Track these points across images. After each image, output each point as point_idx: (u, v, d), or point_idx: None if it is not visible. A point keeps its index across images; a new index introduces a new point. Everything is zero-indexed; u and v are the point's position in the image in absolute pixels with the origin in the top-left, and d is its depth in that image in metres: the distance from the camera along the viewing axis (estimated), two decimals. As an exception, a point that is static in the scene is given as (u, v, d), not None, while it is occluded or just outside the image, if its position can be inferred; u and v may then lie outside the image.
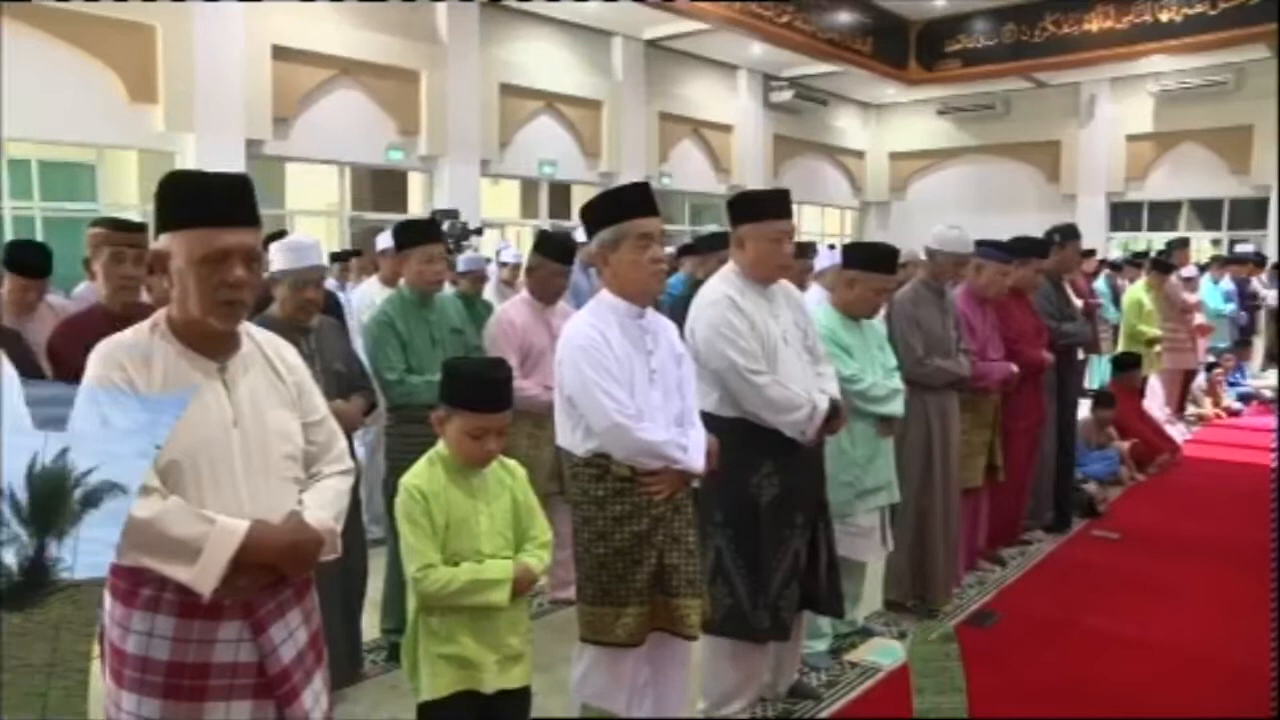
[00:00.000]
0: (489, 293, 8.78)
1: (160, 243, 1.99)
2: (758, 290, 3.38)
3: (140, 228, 3.61)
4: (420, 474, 2.64)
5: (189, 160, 10.78)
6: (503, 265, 8.06)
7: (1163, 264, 9.18)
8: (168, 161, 10.95)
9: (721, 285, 3.37)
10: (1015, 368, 5.03)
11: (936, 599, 4.66)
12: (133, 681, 1.94)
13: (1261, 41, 16.31)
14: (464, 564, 2.57)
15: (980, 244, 5.08)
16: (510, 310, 4.68)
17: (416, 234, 4.30)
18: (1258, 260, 12.79)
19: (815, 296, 5.84)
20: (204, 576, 1.86)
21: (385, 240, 6.33)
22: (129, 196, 11.58)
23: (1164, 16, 16.46)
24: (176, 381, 1.96)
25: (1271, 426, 9.33)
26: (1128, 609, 4.78)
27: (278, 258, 3.57)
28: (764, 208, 3.39)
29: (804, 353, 3.44)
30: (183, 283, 1.96)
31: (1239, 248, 13.70)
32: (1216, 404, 10.25)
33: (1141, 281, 9.09)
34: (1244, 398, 10.78)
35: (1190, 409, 9.84)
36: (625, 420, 2.79)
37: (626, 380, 2.85)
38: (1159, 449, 7.74)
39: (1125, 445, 7.31)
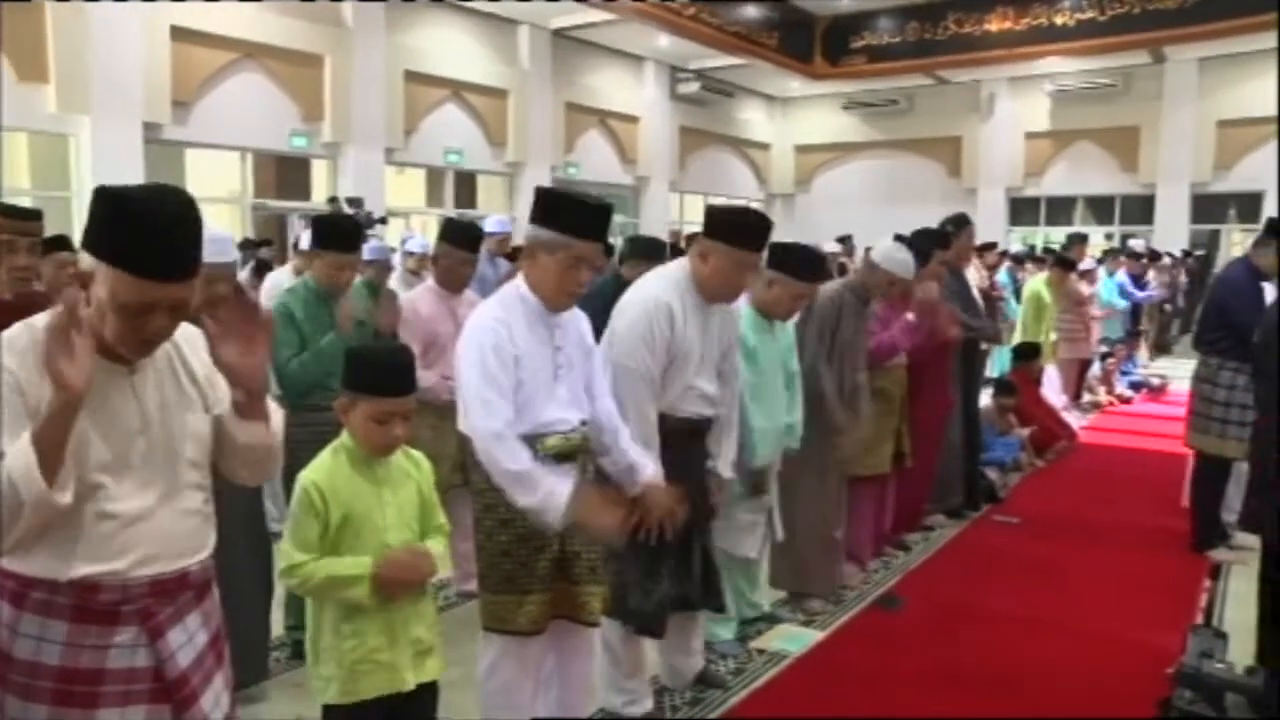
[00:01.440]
0: (394, 282, 8.63)
1: (86, 260, 1.81)
2: (699, 305, 3.29)
3: (35, 215, 3.43)
4: (321, 467, 2.56)
5: (84, 144, 10.45)
6: (409, 255, 7.95)
7: (1065, 260, 9.41)
8: (61, 144, 10.60)
9: (665, 290, 3.24)
10: (912, 316, 4.98)
11: (814, 593, 4.67)
12: (19, 686, 1.85)
13: (1144, 48, 16.96)
14: (325, 559, 2.49)
15: (897, 239, 5.13)
16: (416, 299, 4.60)
17: (334, 239, 4.12)
18: (1152, 255, 13.21)
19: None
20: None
21: (305, 239, 6.16)
22: (19, 180, 11.16)
23: (1059, 20, 17.00)
24: None
25: (1160, 414, 9.66)
26: (1029, 591, 4.89)
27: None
28: (744, 235, 3.26)
29: (713, 376, 3.41)
30: (100, 309, 1.81)
31: (1131, 243, 14.15)
32: (1110, 392, 10.59)
33: (1043, 276, 9.30)
34: (1135, 386, 11.16)
35: (1085, 397, 10.14)
36: (495, 442, 2.70)
37: (529, 377, 2.78)
38: (1057, 436, 7.95)
39: (1025, 432, 7.50)
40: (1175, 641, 3.70)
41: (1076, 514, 6.29)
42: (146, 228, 1.75)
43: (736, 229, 3.26)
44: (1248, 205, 18.12)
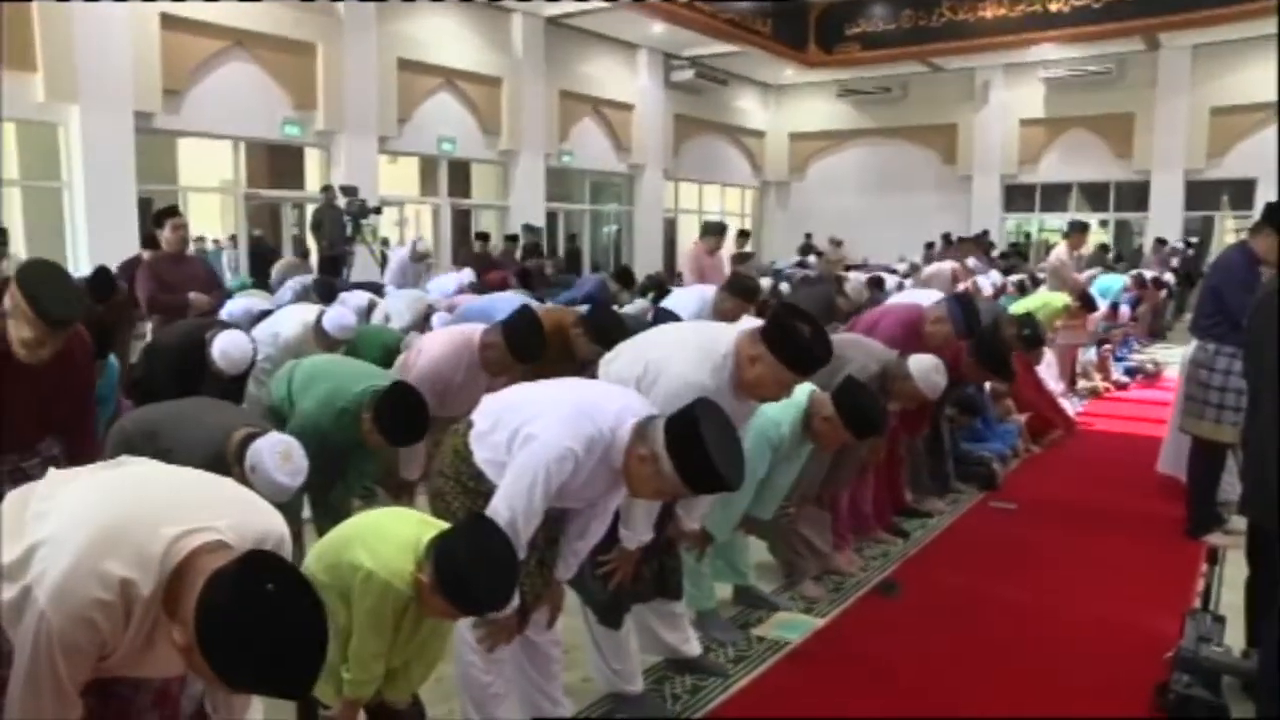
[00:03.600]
0: (389, 277, 8.63)
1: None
2: (729, 394, 3.13)
3: (68, 323, 3.22)
4: (404, 595, 2.48)
5: (73, 133, 10.39)
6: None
7: (1090, 302, 9.32)
8: (50, 133, 10.53)
9: (705, 373, 3.09)
10: None
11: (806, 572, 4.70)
12: None
13: (1138, 35, 16.97)
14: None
15: (957, 301, 5.15)
16: (443, 363, 4.48)
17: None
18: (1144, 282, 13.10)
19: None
20: None
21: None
22: (8, 170, 11.13)
23: (1053, 7, 17.03)
24: None
25: (1154, 399, 9.67)
26: (1026, 576, 4.90)
27: (260, 482, 3.06)
28: (800, 360, 3.07)
29: None
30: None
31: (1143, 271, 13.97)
32: (1105, 378, 10.58)
33: (1067, 300, 9.08)
34: (1130, 372, 11.16)
35: (1081, 383, 10.13)
36: (512, 531, 2.63)
37: (569, 499, 2.78)
38: (1053, 424, 7.95)
39: (1022, 419, 7.50)
40: (1172, 626, 3.71)
41: (1073, 500, 6.30)
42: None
43: (793, 351, 3.06)
44: (1240, 192, 18.15)
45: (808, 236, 20.42)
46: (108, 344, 4.27)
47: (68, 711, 1.74)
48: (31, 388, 3.18)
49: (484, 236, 14.21)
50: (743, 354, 3.14)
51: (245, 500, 1.95)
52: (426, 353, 4.57)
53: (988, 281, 10.86)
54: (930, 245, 17.57)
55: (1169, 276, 14.28)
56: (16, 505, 1.85)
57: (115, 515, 1.75)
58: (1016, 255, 16.29)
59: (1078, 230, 10.52)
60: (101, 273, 6.11)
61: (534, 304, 6.08)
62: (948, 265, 12.03)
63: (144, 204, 11.21)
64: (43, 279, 3.08)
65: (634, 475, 2.66)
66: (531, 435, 2.68)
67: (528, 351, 4.47)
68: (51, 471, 1.97)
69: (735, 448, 2.65)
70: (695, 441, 2.52)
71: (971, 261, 12.37)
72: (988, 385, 7.20)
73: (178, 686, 2.02)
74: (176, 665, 1.77)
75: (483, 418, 2.89)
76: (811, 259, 16.61)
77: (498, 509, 2.66)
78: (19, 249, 10.75)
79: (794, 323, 3.09)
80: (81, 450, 3.35)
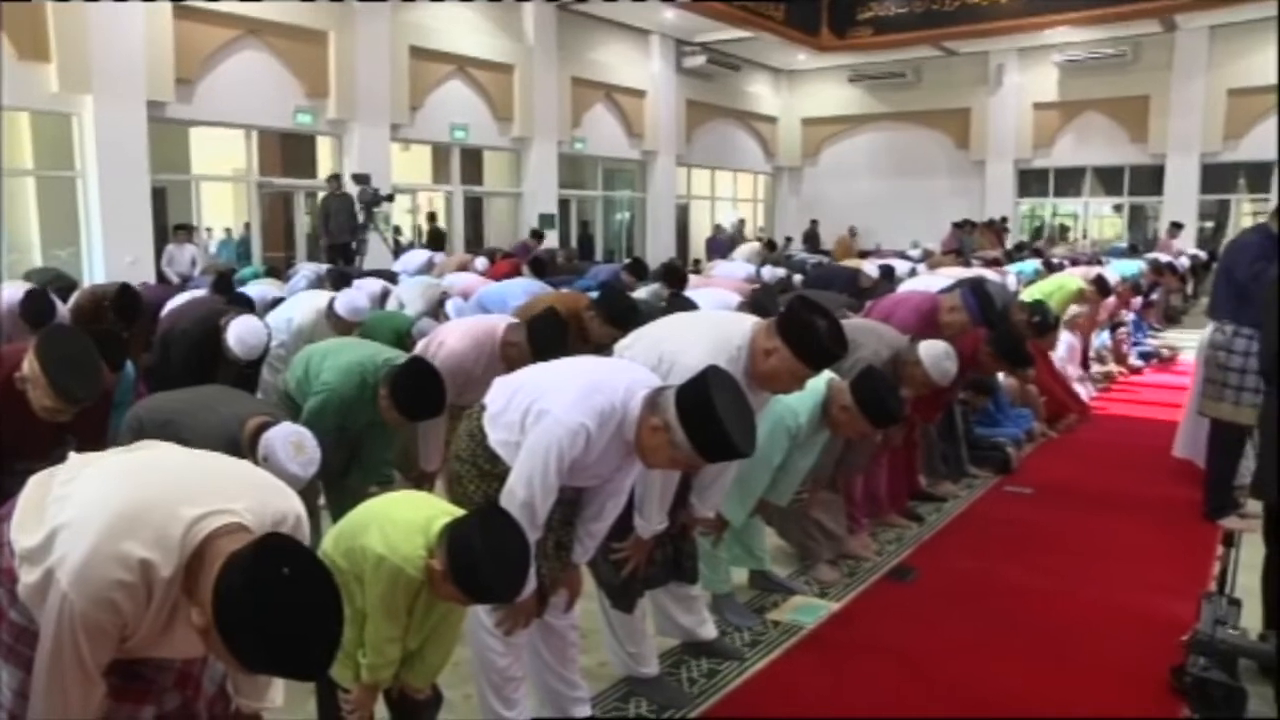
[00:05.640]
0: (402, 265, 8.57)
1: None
2: (744, 384, 3.01)
3: (81, 399, 3.22)
4: (416, 581, 2.47)
5: (87, 123, 10.41)
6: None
7: (1106, 287, 9.25)
8: (64, 124, 10.57)
9: (723, 365, 2.93)
10: None
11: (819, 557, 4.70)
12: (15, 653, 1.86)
13: (1154, 17, 16.83)
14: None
15: (972, 290, 5.13)
16: (465, 358, 4.50)
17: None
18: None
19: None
20: None
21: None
22: (23, 160, 11.16)
23: (1068, -11, 16.90)
24: None
25: (1169, 383, 9.63)
26: (1042, 561, 4.89)
27: (272, 472, 2.81)
28: (813, 354, 3.06)
29: None
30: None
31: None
32: (1121, 362, 10.53)
33: (1081, 284, 9.01)
34: (1145, 356, 11.11)
35: (1095, 367, 10.08)
36: (526, 512, 2.65)
37: (582, 477, 2.77)
38: (1068, 408, 7.92)
39: (1043, 398, 7.50)
40: (1189, 609, 3.69)
41: (1088, 484, 6.27)
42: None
43: (808, 344, 3.04)
44: (1258, 175, 18.02)
45: (813, 223, 20.45)
46: (123, 354, 4.27)
47: (90, 691, 1.76)
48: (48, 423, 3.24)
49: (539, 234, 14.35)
50: (758, 346, 3.12)
51: (262, 482, 1.97)
52: (447, 345, 4.58)
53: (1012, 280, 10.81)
54: (960, 226, 17.37)
55: (1185, 261, 14.21)
56: (38, 490, 1.87)
57: (135, 497, 1.76)
58: (1033, 252, 15.97)
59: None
60: (128, 294, 5.99)
61: (547, 289, 6.07)
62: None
63: (157, 193, 11.23)
64: (62, 355, 3.13)
65: (646, 446, 2.65)
66: (544, 411, 2.68)
67: (551, 353, 4.45)
68: (72, 456, 1.97)
69: (747, 414, 2.63)
70: (707, 409, 2.52)
71: (993, 276, 11.94)
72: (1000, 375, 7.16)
73: (199, 667, 2.03)
74: (197, 646, 1.78)
75: (495, 399, 2.89)
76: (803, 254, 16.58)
77: (513, 489, 2.66)
78: (34, 239, 10.80)
79: (810, 317, 3.07)
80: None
